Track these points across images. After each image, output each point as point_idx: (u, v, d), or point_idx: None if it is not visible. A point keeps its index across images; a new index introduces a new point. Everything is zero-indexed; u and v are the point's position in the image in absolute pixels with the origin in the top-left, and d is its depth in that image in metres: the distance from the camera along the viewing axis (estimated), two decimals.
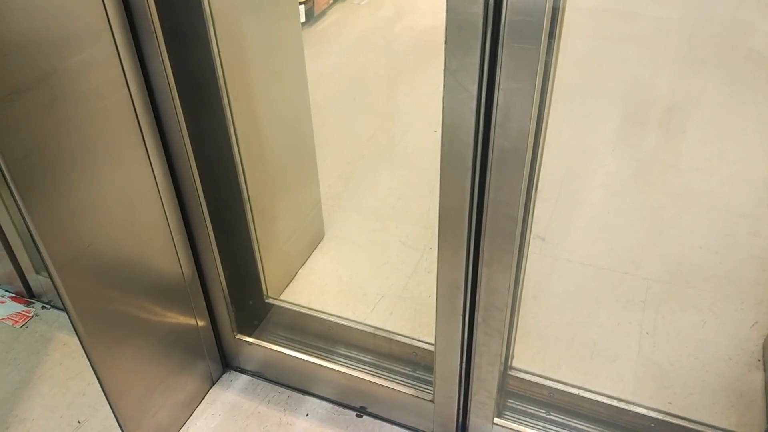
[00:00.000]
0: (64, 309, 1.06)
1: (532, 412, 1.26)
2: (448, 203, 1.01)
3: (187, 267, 1.28)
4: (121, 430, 1.23)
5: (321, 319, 1.44)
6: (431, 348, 1.20)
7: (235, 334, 1.42)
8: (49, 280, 1.64)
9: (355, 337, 1.41)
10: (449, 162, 0.97)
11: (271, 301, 1.49)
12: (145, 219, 1.15)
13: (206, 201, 1.24)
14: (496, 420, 1.23)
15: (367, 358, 1.38)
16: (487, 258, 1.05)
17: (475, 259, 1.06)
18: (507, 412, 1.26)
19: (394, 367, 1.35)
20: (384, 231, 1.69)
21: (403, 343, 1.36)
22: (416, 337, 1.31)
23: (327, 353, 1.39)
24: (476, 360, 1.16)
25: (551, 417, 1.22)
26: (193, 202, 1.23)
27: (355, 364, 1.37)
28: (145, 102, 1.09)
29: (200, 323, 1.37)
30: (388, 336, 1.36)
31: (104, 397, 1.17)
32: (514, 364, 1.24)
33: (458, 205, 1.01)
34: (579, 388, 1.22)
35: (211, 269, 1.32)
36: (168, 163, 1.18)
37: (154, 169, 1.14)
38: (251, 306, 1.49)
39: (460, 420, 1.28)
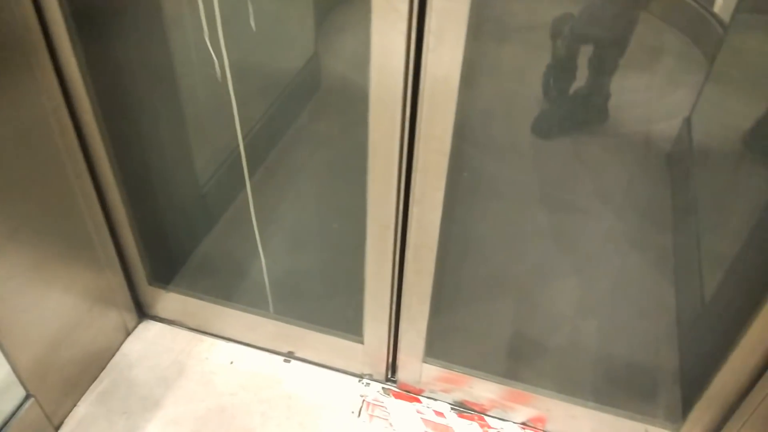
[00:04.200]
0: None
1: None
2: (378, 136, 0.96)
3: (91, 212, 1.17)
4: (24, 387, 1.13)
5: None
6: None
7: (149, 282, 1.33)
8: None
9: None
10: (378, 91, 0.90)
11: None
12: (40, 158, 1.03)
13: (111, 140, 1.12)
14: (426, 359, 1.23)
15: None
16: (419, 196, 1.01)
17: (406, 197, 1.02)
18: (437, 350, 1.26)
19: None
20: None
21: None
22: None
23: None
24: (406, 300, 1.14)
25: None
26: (93, 139, 1.11)
27: (282, 307, 1.33)
28: (35, 25, 0.95)
29: (110, 272, 1.27)
30: None
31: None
32: None
33: (388, 139, 0.95)
34: None
35: (118, 214, 1.21)
36: (64, 97, 1.04)
37: (48, 101, 1.01)
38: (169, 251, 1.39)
39: (391, 360, 1.27)
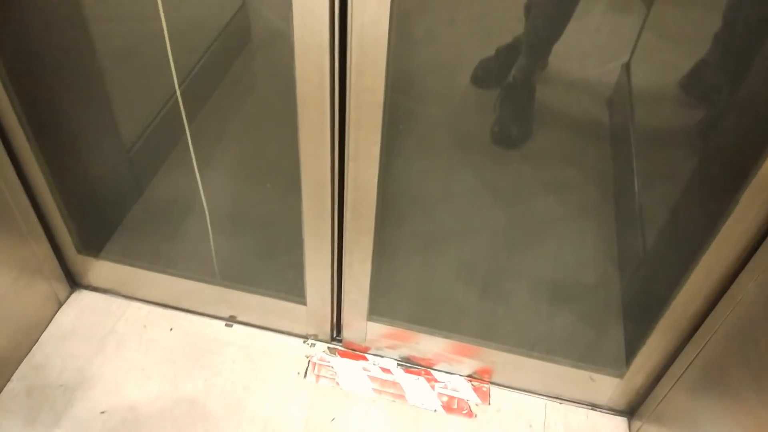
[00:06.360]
0: None
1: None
2: (306, 89, 0.90)
3: (6, 178, 1.08)
4: None
5: None
6: None
7: (79, 251, 1.26)
8: None
9: None
10: (303, 40, 0.84)
11: None
12: None
13: (19, 100, 1.03)
14: (371, 316, 1.21)
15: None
16: (354, 152, 0.96)
17: (341, 154, 0.98)
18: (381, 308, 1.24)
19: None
20: None
21: None
22: None
23: None
24: (347, 258, 1.11)
25: None
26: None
27: (222, 270, 1.28)
28: None
29: (34, 242, 1.19)
30: None
31: None
32: None
33: (318, 91, 0.90)
34: None
35: (37, 180, 1.13)
36: None
37: None
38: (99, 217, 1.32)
39: (335, 320, 1.25)
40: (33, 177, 1.13)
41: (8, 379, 1.19)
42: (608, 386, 1.19)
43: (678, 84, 1.09)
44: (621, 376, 1.16)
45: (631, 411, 1.21)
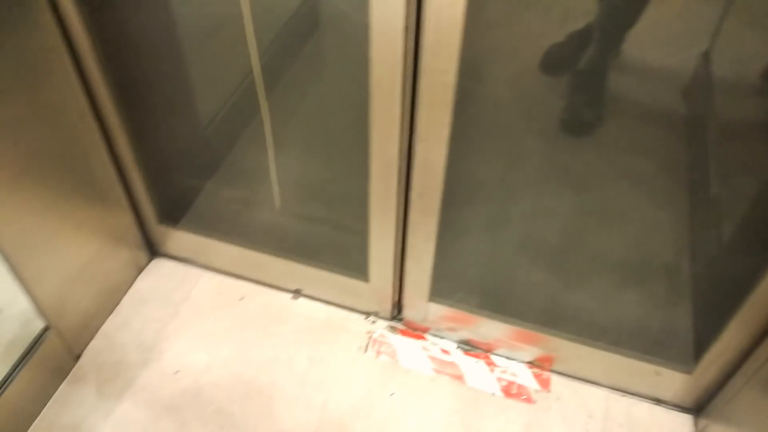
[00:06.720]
0: None
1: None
2: (380, 71, 0.92)
3: (97, 153, 1.16)
4: (44, 318, 1.17)
5: None
6: None
7: (159, 221, 1.34)
8: None
9: None
10: (379, 22, 0.86)
11: None
12: (41, 100, 1.01)
13: (113, 81, 1.10)
14: (433, 297, 1.23)
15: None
16: (423, 133, 0.97)
17: (410, 134, 0.99)
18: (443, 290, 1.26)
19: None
20: None
21: None
22: None
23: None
24: (411, 239, 1.13)
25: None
26: (95, 81, 1.09)
27: (291, 244, 1.33)
28: None
29: (119, 211, 1.28)
30: None
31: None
32: None
33: (391, 73, 0.91)
34: None
35: (125, 155, 1.20)
36: (65, 40, 1.02)
37: (46, 40, 0.99)
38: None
39: (397, 299, 1.27)
40: (121, 153, 1.21)
41: (92, 335, 1.29)
42: (675, 381, 1.16)
43: (761, 74, 1.03)
44: (689, 371, 1.13)
45: (697, 408, 1.18)
